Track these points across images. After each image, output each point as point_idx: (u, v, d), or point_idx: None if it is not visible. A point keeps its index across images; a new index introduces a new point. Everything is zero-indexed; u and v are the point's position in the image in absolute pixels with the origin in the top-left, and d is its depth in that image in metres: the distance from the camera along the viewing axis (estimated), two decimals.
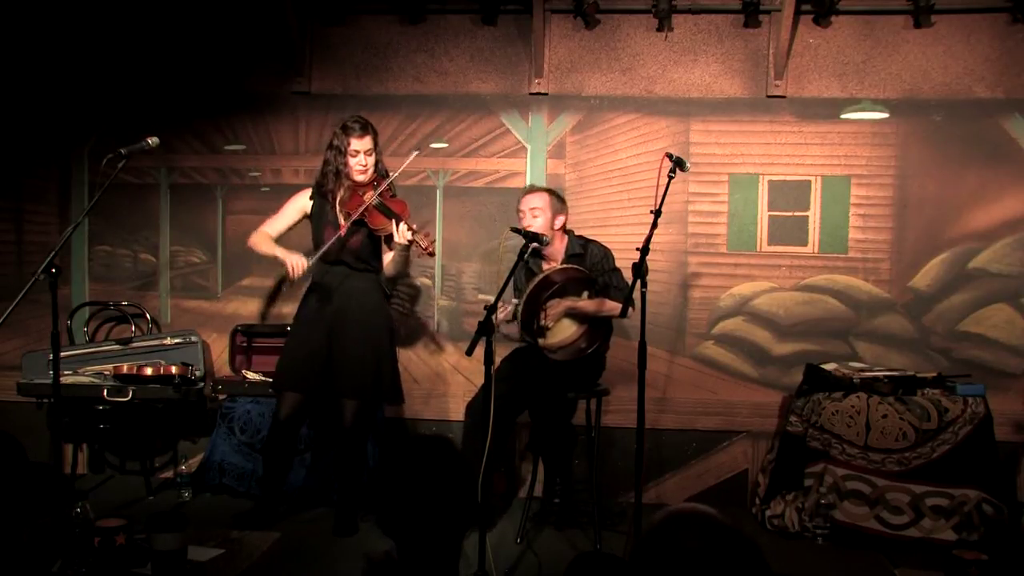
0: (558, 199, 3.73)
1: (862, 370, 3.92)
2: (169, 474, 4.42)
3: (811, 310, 4.30)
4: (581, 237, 3.80)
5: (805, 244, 4.31)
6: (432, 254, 3.57)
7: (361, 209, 3.53)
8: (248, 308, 4.56)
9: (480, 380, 3.24)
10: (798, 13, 4.14)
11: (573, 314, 3.60)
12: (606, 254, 3.71)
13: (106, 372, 4.21)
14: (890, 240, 4.26)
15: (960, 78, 4.20)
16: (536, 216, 3.66)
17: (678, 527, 1.43)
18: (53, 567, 2.70)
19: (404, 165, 3.65)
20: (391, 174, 3.72)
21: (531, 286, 3.53)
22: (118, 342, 4.40)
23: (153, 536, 2.85)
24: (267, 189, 4.52)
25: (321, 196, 3.70)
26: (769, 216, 4.32)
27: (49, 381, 3.50)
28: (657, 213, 3.17)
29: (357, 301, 3.65)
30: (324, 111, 4.44)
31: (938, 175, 4.23)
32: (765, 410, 4.28)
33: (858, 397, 3.78)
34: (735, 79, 4.31)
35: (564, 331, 3.60)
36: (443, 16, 4.41)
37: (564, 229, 3.76)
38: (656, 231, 3.16)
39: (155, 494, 4.17)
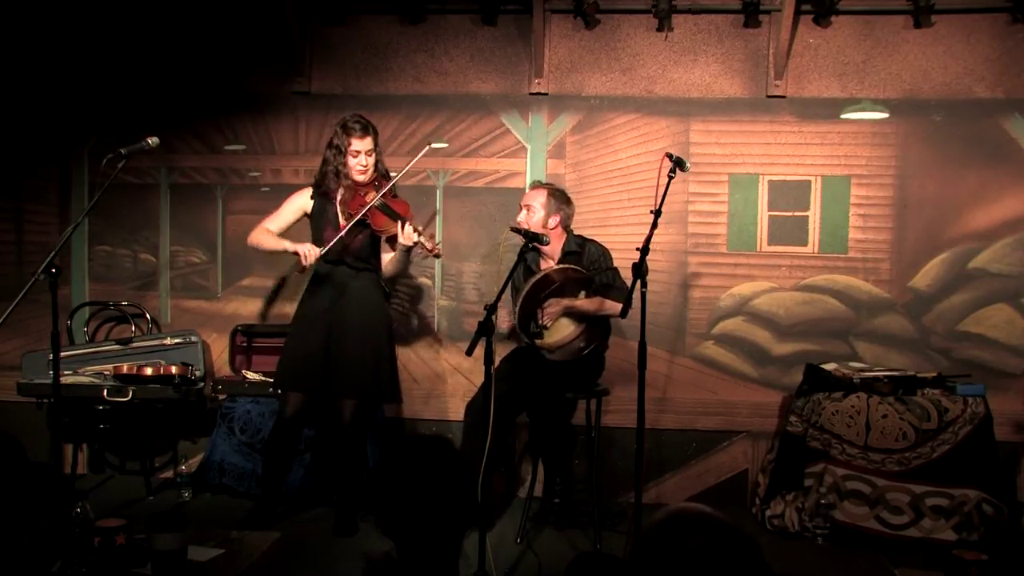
0: (558, 199, 3.73)
1: (862, 370, 3.92)
2: (169, 474, 4.42)
3: (811, 310, 4.30)
4: (580, 236, 3.80)
5: (805, 244, 4.31)
6: (438, 255, 3.61)
7: (364, 210, 3.53)
8: (248, 308, 4.56)
9: (480, 380, 3.24)
10: (798, 13, 4.14)
11: (571, 313, 3.60)
12: (604, 253, 3.72)
13: (106, 372, 4.20)
14: (890, 240, 4.26)
15: (960, 78, 4.20)
16: (529, 212, 3.67)
17: (678, 527, 1.43)
18: (53, 567, 2.70)
19: (416, 158, 3.64)
20: (392, 174, 3.72)
21: (528, 285, 3.54)
22: (118, 342, 4.40)
23: (153, 536, 2.85)
24: (267, 189, 4.52)
25: (321, 195, 3.69)
26: (769, 216, 4.32)
27: (49, 381, 3.50)
28: (657, 213, 3.17)
29: (357, 300, 3.65)
30: (324, 111, 4.44)
31: (938, 175, 4.23)
32: (765, 410, 4.28)
33: (858, 397, 3.78)
34: (735, 79, 4.31)
35: (562, 331, 3.60)
36: (443, 16, 4.41)
37: (565, 227, 3.76)
38: (656, 231, 3.16)
39: (155, 494, 4.17)
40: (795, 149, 4.30)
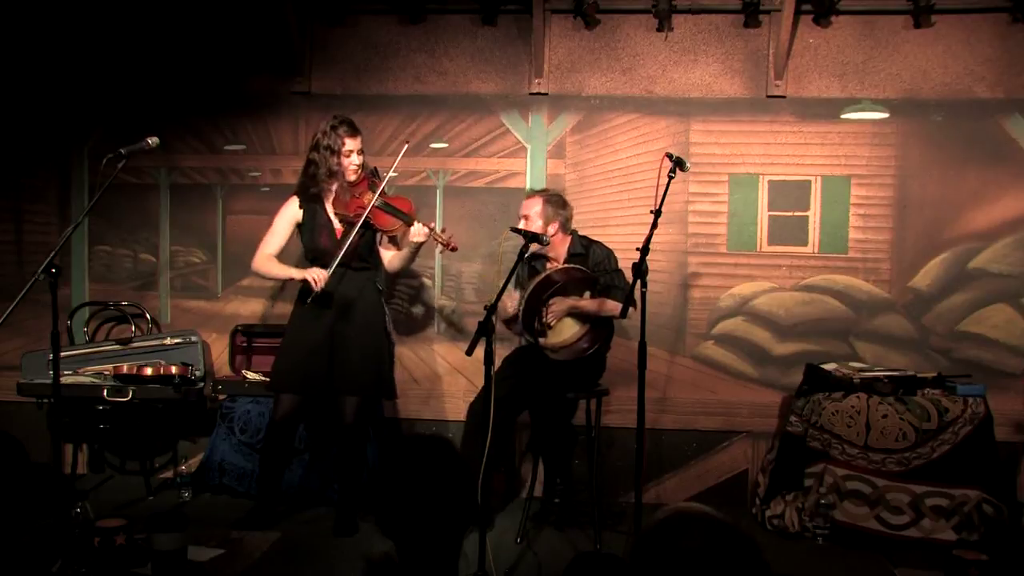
0: (554, 205, 3.72)
1: (862, 370, 3.92)
2: (169, 474, 4.42)
3: (811, 310, 4.30)
4: (585, 237, 3.81)
5: (805, 244, 4.31)
6: (455, 248, 3.59)
7: (365, 211, 3.51)
8: (248, 308, 4.56)
9: (480, 380, 3.24)
10: (798, 13, 4.14)
11: (575, 314, 3.60)
12: (609, 255, 3.72)
13: (106, 372, 4.20)
14: (890, 240, 4.26)
15: (960, 78, 4.20)
16: (528, 222, 3.68)
17: (677, 526, 1.43)
18: (53, 567, 2.70)
19: (399, 158, 3.60)
20: (382, 172, 3.70)
21: (532, 285, 3.54)
22: (118, 342, 4.40)
23: (153, 536, 2.85)
24: (267, 189, 4.52)
25: (310, 201, 3.65)
26: (769, 216, 4.32)
27: (49, 381, 3.49)
28: (657, 213, 3.17)
29: (357, 299, 3.64)
30: (324, 111, 4.41)
31: (938, 175, 4.23)
32: (765, 410, 4.28)
33: (858, 397, 3.78)
34: (735, 79, 4.31)
35: (566, 331, 3.60)
36: (443, 16, 4.41)
37: (566, 230, 3.76)
38: (656, 231, 3.17)
39: (155, 494, 4.17)
40: (795, 149, 4.30)
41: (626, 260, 3.31)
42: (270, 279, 3.73)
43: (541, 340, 3.59)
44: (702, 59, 4.32)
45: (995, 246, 4.20)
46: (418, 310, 4.51)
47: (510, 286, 3.34)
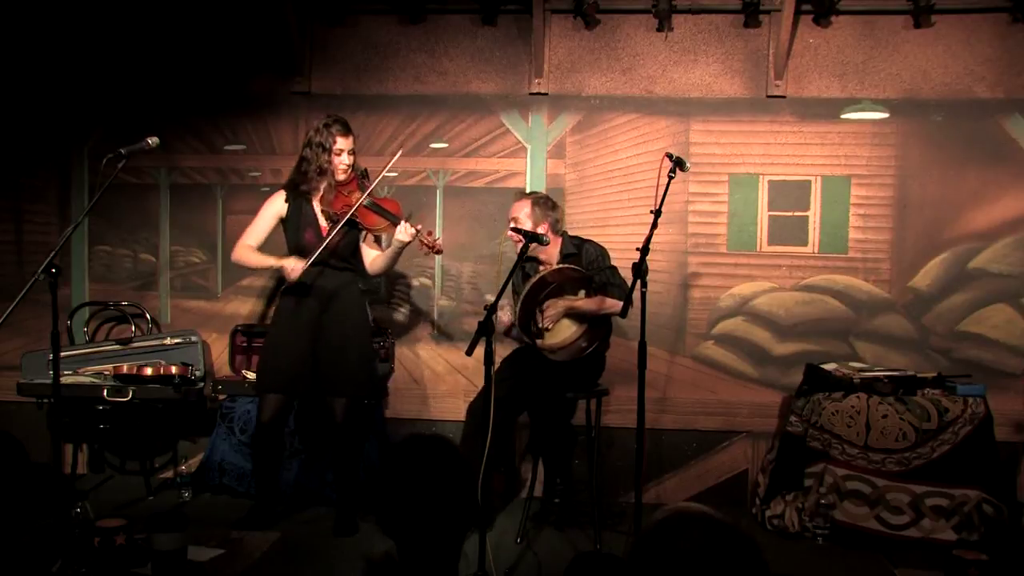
0: (542, 206, 3.71)
1: (862, 370, 3.92)
2: (169, 474, 4.42)
3: (811, 310, 4.30)
4: (576, 237, 3.80)
5: (805, 244, 4.31)
6: (440, 251, 3.58)
7: (353, 209, 3.51)
8: (248, 308, 4.56)
9: (480, 380, 3.24)
10: (798, 13, 4.14)
11: (572, 314, 3.59)
12: (602, 252, 3.71)
13: (106, 372, 4.20)
14: (890, 240, 4.26)
15: (960, 78, 4.20)
16: (517, 224, 3.67)
17: (676, 526, 1.43)
18: (53, 567, 2.70)
19: (389, 164, 3.60)
20: (371, 173, 3.71)
21: (527, 288, 3.53)
22: (118, 342, 4.40)
23: (153, 536, 2.85)
24: (267, 189, 4.50)
25: (297, 197, 3.64)
26: (769, 216, 4.32)
27: (49, 381, 3.49)
28: (657, 213, 3.17)
29: (340, 300, 3.63)
30: (324, 111, 4.38)
31: (938, 175, 4.23)
32: (765, 410, 4.28)
33: (858, 397, 3.78)
34: (735, 79, 4.31)
35: (564, 331, 3.60)
36: (443, 16, 4.41)
37: (556, 231, 3.75)
38: (656, 231, 3.17)
39: (155, 494, 4.17)
40: (795, 149, 4.30)
41: (626, 260, 3.31)
42: (249, 268, 3.76)
43: (539, 342, 3.59)
44: (702, 59, 4.32)
45: (995, 246, 4.20)
46: (418, 310, 4.51)
47: (508, 295, 3.34)
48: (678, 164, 3.23)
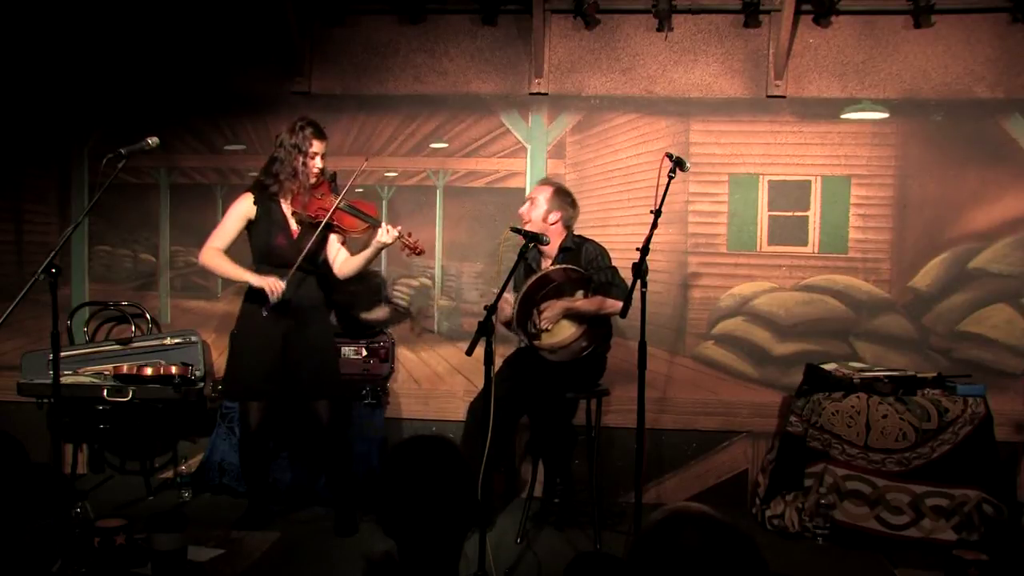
0: (562, 197, 3.74)
1: (862, 370, 3.92)
2: (169, 474, 4.42)
3: (811, 310, 4.30)
4: (578, 235, 3.80)
5: (805, 244, 4.31)
6: (421, 252, 3.52)
7: (330, 212, 3.47)
8: None
9: (480, 380, 3.24)
10: (798, 13, 4.14)
11: (571, 315, 3.59)
12: (601, 252, 3.71)
13: (106, 372, 4.20)
14: (890, 240, 4.26)
15: (960, 78, 4.20)
16: (532, 204, 3.71)
17: (675, 526, 1.43)
18: (53, 567, 2.70)
19: (355, 176, 3.56)
20: (338, 176, 3.71)
21: (527, 284, 3.53)
22: (118, 342, 4.40)
23: (153, 536, 2.85)
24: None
25: (266, 199, 3.57)
26: (769, 216, 4.32)
27: (49, 381, 3.49)
28: (657, 213, 3.17)
29: (309, 303, 3.60)
30: (324, 111, 4.43)
31: (938, 175, 4.23)
32: (765, 410, 4.28)
33: (858, 397, 3.78)
34: (735, 79, 4.31)
35: (563, 332, 3.59)
36: (443, 16, 4.41)
37: (567, 226, 3.76)
38: (656, 231, 3.17)
39: (155, 494, 4.18)
40: (795, 149, 4.30)
41: (626, 260, 3.30)
42: (219, 275, 3.70)
43: (536, 342, 3.58)
44: (702, 59, 4.32)
45: (995, 246, 4.20)
46: (418, 310, 4.50)
47: (510, 286, 3.34)
48: (678, 164, 3.23)
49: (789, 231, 4.31)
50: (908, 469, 3.71)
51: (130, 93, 4.53)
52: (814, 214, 4.30)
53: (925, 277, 4.24)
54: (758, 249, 4.33)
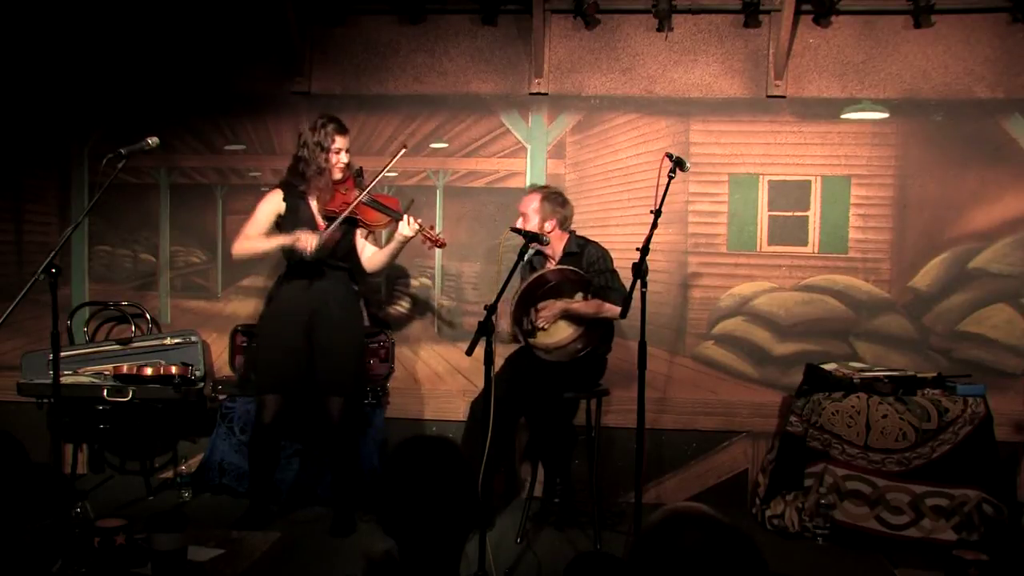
0: (552, 202, 3.73)
1: (862, 370, 3.92)
2: (169, 474, 4.42)
3: (811, 310, 4.30)
4: (582, 238, 3.80)
5: (805, 244, 4.31)
6: (443, 244, 3.59)
7: (352, 206, 3.51)
8: (248, 308, 4.55)
9: (480, 380, 3.24)
10: (798, 13, 4.14)
11: (569, 316, 3.59)
12: (603, 255, 3.71)
13: (106, 372, 4.21)
14: (890, 240, 4.26)
15: (960, 78, 4.20)
16: (525, 220, 3.70)
17: (675, 526, 1.43)
18: (53, 567, 2.70)
19: (393, 160, 3.61)
20: (365, 172, 3.72)
21: (525, 284, 3.54)
22: (118, 342, 4.40)
23: (153, 536, 2.85)
24: (267, 189, 4.49)
25: (294, 196, 3.63)
26: (769, 216, 4.32)
27: (49, 381, 3.50)
28: (657, 213, 3.17)
29: (334, 298, 3.63)
30: (324, 111, 4.43)
31: (938, 175, 4.23)
32: (765, 410, 4.28)
33: (858, 397, 3.78)
34: (735, 79, 4.31)
35: (560, 332, 3.60)
36: (443, 16, 4.41)
37: (564, 227, 3.76)
38: (656, 231, 3.16)
39: (155, 494, 4.18)
40: (795, 149, 4.30)
41: (626, 260, 3.30)
42: (257, 255, 3.73)
43: (531, 340, 3.58)
44: (702, 59, 4.32)
45: (995, 246, 4.20)
46: (418, 310, 4.50)
47: (510, 285, 3.34)
48: (678, 164, 3.23)
49: (789, 231, 4.31)
50: (908, 469, 3.72)
51: (130, 93, 4.53)
52: (814, 214, 4.30)
53: (925, 277, 4.24)
54: (758, 249, 4.33)
